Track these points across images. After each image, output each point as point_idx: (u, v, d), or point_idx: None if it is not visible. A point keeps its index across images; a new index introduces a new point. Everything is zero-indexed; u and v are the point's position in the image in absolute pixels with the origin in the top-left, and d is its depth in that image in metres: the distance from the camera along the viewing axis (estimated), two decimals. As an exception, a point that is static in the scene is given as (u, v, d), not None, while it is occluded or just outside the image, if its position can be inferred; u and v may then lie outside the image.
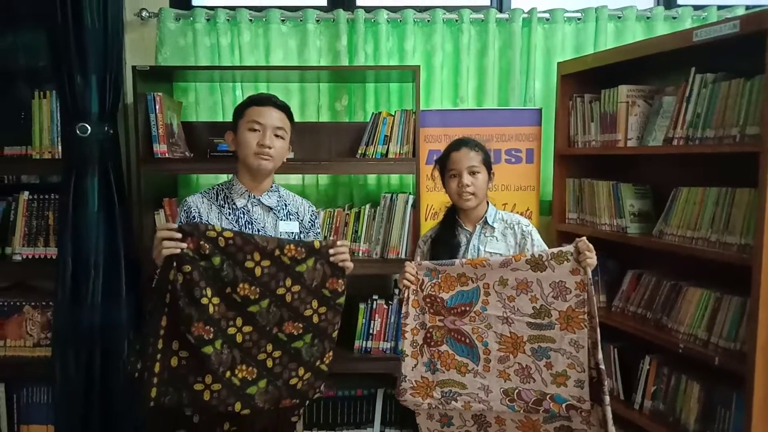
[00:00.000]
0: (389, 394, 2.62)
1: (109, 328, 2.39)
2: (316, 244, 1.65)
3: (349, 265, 1.69)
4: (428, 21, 2.76)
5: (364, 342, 2.58)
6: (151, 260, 1.67)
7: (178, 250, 1.51)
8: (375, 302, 2.58)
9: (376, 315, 2.57)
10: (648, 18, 2.78)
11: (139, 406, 1.62)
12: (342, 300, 1.68)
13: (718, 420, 1.89)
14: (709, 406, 1.93)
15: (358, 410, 2.64)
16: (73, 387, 2.38)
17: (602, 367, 1.62)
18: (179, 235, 1.52)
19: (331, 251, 1.65)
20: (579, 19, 2.79)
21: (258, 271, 1.59)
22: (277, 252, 1.60)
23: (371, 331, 2.57)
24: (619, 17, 2.78)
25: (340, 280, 1.67)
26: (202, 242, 1.54)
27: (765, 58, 1.66)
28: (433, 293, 1.72)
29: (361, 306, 2.57)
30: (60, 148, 2.45)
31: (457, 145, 1.88)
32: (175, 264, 1.52)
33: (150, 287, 1.70)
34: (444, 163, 1.90)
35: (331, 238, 1.67)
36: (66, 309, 2.36)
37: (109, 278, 2.40)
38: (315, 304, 1.65)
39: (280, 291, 1.61)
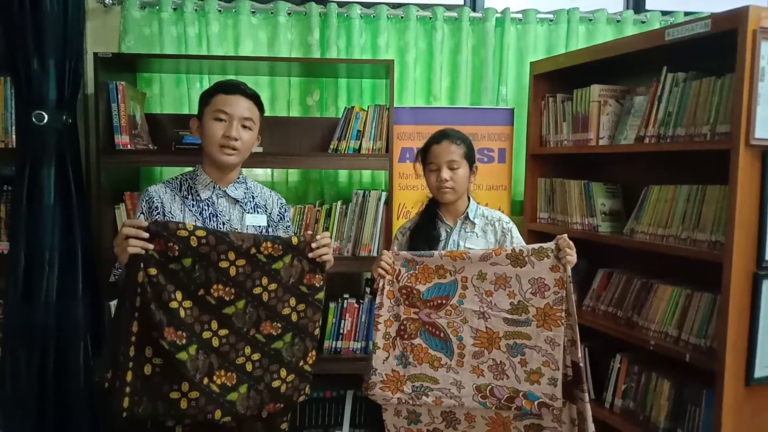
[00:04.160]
0: (359, 395, 2.56)
1: (65, 328, 2.27)
2: (294, 240, 1.56)
3: (329, 259, 1.60)
4: (402, 17, 2.74)
5: (334, 342, 2.52)
6: (110, 257, 1.58)
7: (143, 251, 1.41)
8: (346, 301, 2.52)
9: (347, 314, 2.51)
10: (618, 21, 2.82)
11: (109, 419, 1.49)
12: (321, 296, 1.60)
13: (688, 417, 1.90)
14: (679, 404, 1.94)
15: (327, 412, 2.57)
16: (24, 391, 2.25)
17: (581, 365, 1.60)
18: (146, 235, 1.42)
19: (314, 245, 1.56)
20: (551, 20, 2.81)
21: (233, 271, 1.50)
22: (253, 250, 1.51)
23: (341, 331, 2.52)
24: (590, 20, 2.82)
25: (317, 276, 1.58)
26: (170, 243, 1.44)
27: (735, 57, 1.68)
28: (410, 284, 1.68)
29: (332, 305, 2.51)
30: (14, 137, 2.32)
31: (439, 137, 1.84)
32: (142, 265, 1.41)
33: (108, 282, 1.60)
34: (425, 156, 1.86)
35: (308, 232, 1.58)
36: (17, 308, 2.22)
37: (65, 275, 2.28)
38: (293, 301, 1.56)
39: (257, 290, 1.53)
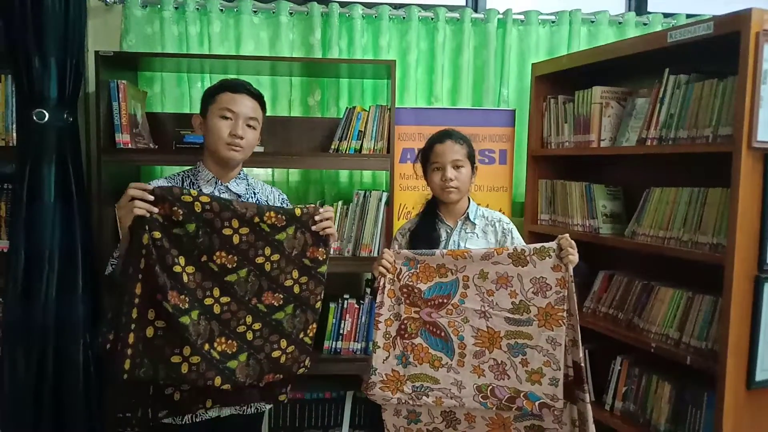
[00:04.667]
0: (358, 396, 2.56)
1: (64, 326, 2.26)
2: (297, 212, 1.57)
3: (333, 232, 1.61)
4: (404, 18, 2.74)
5: (334, 342, 2.51)
6: (110, 254, 1.58)
7: (148, 214, 1.42)
8: (346, 302, 2.52)
9: (347, 315, 2.51)
10: (620, 23, 2.82)
11: (111, 383, 1.49)
12: (324, 269, 1.60)
13: (688, 420, 1.89)
14: (679, 406, 1.93)
15: (326, 413, 2.56)
16: (22, 389, 2.24)
17: (582, 365, 1.60)
18: (151, 198, 1.43)
19: (317, 218, 1.58)
20: (553, 21, 2.81)
21: (236, 239, 1.51)
22: (257, 219, 1.52)
23: (341, 332, 2.51)
24: (592, 21, 2.81)
25: (321, 249, 1.59)
26: (175, 208, 1.44)
27: (738, 60, 1.68)
28: (411, 283, 1.67)
29: (332, 305, 2.50)
30: (15, 135, 2.32)
31: (442, 137, 1.83)
32: (146, 227, 1.42)
33: (105, 275, 1.60)
34: (427, 156, 1.85)
35: (311, 205, 1.59)
36: (17, 305, 2.21)
37: (65, 274, 2.26)
38: (296, 273, 1.57)
39: (259, 260, 1.54)
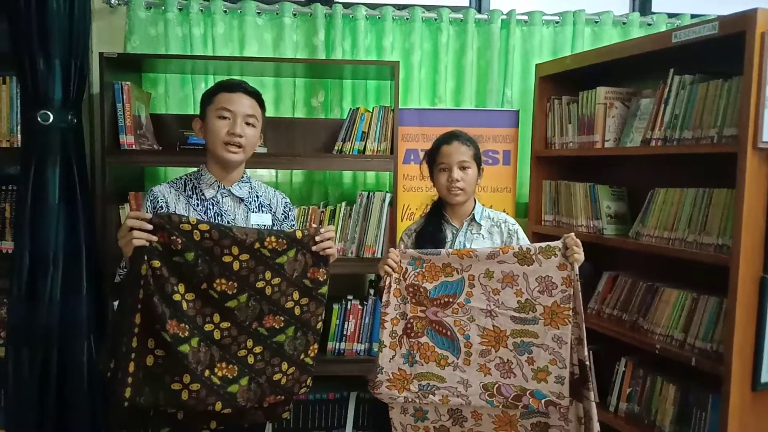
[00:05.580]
0: (362, 397, 2.56)
1: (68, 327, 2.28)
2: (298, 234, 1.56)
3: (333, 252, 1.61)
4: (407, 19, 2.74)
5: (338, 343, 2.51)
6: (114, 257, 1.58)
7: (147, 243, 1.42)
8: (349, 303, 2.52)
9: (351, 316, 2.51)
10: (624, 24, 2.81)
11: (111, 408, 1.50)
12: (324, 290, 1.59)
13: (693, 421, 1.89)
14: (684, 408, 1.92)
15: (330, 414, 2.56)
16: (27, 389, 2.25)
17: (587, 363, 1.59)
18: (150, 227, 1.42)
19: (317, 238, 1.57)
20: (557, 22, 2.80)
21: (236, 266, 1.49)
22: (257, 245, 1.51)
23: (345, 333, 2.51)
24: (596, 22, 2.81)
25: (321, 270, 1.58)
26: (173, 237, 1.44)
27: (743, 60, 1.67)
28: (417, 282, 1.67)
29: (335, 306, 2.50)
30: (19, 136, 2.32)
31: (448, 138, 1.84)
32: (146, 257, 1.42)
33: (113, 283, 1.61)
34: (433, 157, 1.85)
35: (313, 225, 1.58)
36: (21, 306, 2.23)
37: (69, 275, 2.28)
38: (296, 295, 1.56)
39: (260, 284, 1.52)
